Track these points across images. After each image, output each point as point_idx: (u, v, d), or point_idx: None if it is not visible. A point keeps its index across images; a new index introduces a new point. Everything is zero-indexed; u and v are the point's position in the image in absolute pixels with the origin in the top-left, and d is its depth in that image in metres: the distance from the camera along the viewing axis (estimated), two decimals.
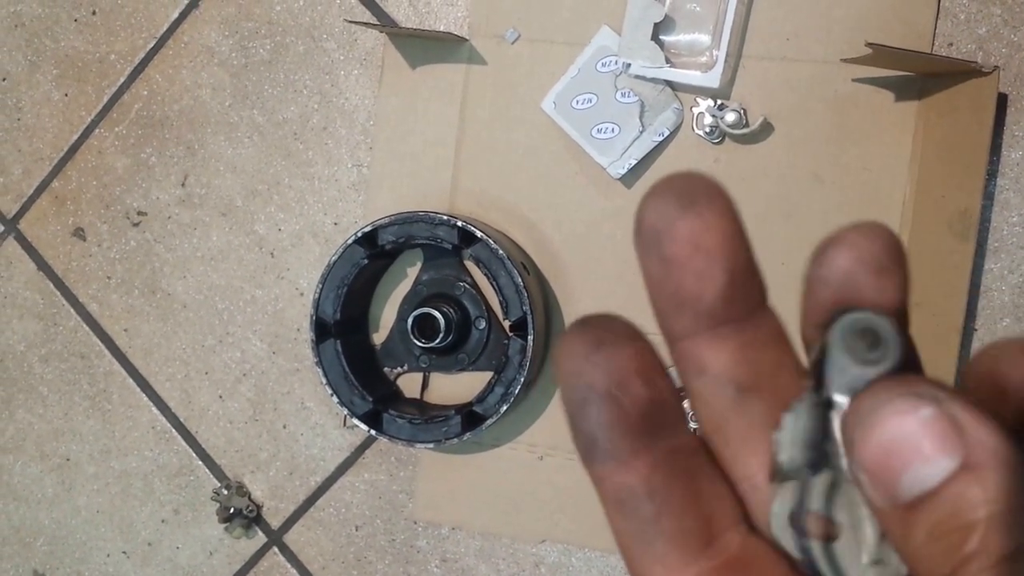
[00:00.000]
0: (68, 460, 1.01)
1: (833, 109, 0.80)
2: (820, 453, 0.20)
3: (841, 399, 0.20)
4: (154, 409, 0.98)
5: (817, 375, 0.20)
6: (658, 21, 0.80)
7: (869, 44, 0.70)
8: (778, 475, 0.21)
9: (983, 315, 0.79)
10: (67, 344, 1.00)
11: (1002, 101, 0.74)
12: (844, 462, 0.20)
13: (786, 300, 0.74)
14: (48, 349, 1.00)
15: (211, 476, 0.97)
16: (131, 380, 0.98)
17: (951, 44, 0.77)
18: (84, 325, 0.99)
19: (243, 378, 0.95)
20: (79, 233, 0.99)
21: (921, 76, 0.77)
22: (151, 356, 0.98)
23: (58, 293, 0.99)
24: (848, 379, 0.20)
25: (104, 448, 1.00)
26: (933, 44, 0.77)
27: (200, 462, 0.97)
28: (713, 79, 0.79)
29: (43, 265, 1.00)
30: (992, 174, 0.77)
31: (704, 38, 0.81)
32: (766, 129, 0.81)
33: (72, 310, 0.99)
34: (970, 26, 0.77)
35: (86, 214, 0.98)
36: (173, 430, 0.98)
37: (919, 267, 0.78)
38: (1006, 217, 0.78)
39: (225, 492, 0.95)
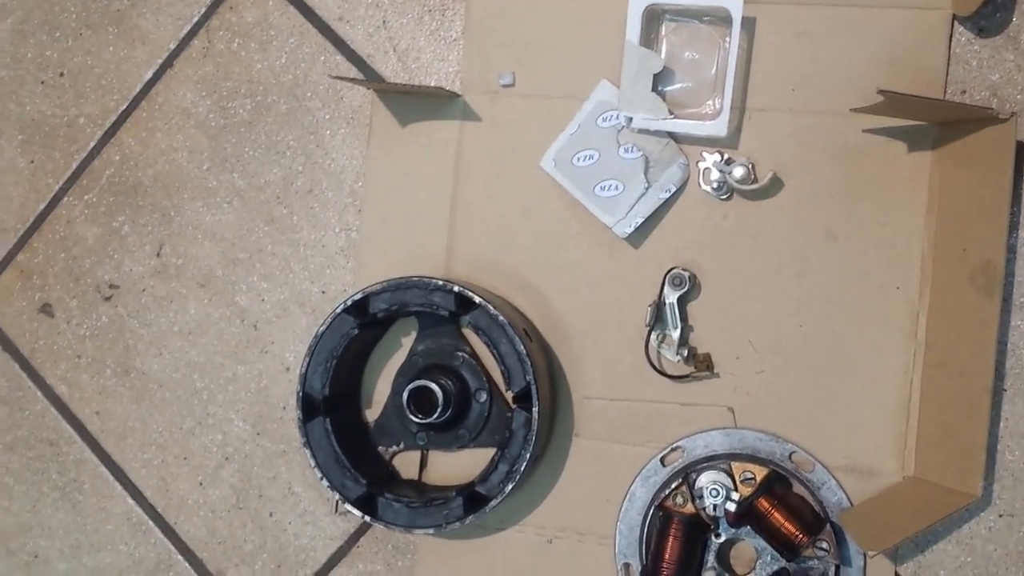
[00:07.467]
0: (36, 557, 1.12)
1: (844, 161, 0.92)
2: None
3: None
4: (129, 499, 1.09)
5: None
6: (657, 72, 0.92)
7: (881, 91, 0.81)
8: None
9: (1012, 374, 0.90)
10: (34, 430, 1.11)
11: (1020, 149, 0.85)
12: None
13: (808, 362, 0.88)
14: (13, 436, 1.12)
15: (192, 571, 1.08)
16: (104, 468, 1.10)
17: (964, 91, 0.90)
18: (52, 408, 1.11)
19: (225, 463, 1.07)
20: (46, 309, 1.11)
21: (935, 125, 0.89)
22: (125, 441, 1.09)
23: (24, 375, 1.12)
24: None
25: (75, 543, 1.11)
26: (945, 92, 0.90)
27: (180, 556, 1.08)
28: (720, 127, 0.91)
29: (7, 344, 1.12)
30: (1014, 225, 0.88)
31: (706, 86, 0.93)
32: (776, 184, 0.93)
33: (39, 392, 1.11)
34: (983, 72, 0.90)
35: (54, 289, 1.11)
36: (150, 521, 1.09)
37: (942, 325, 0.89)
38: None
39: None
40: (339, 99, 1.03)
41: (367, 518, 0.94)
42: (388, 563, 1.03)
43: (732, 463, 0.92)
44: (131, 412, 1.09)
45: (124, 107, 1.08)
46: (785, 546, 0.90)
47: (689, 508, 0.92)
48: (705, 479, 0.92)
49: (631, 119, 0.93)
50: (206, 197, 1.06)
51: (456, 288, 0.92)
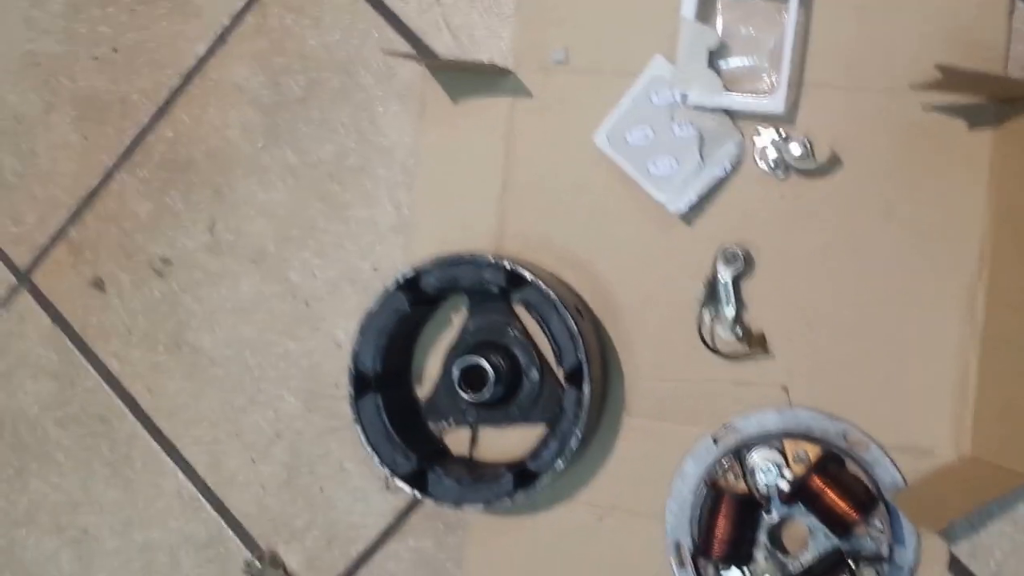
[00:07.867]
0: (86, 533, 1.15)
1: (903, 139, 0.93)
2: None
3: None
4: (180, 475, 1.12)
5: None
6: (713, 47, 0.94)
7: (939, 67, 0.82)
8: None
9: None
10: (85, 406, 1.14)
11: None
12: None
13: (864, 340, 0.89)
14: (64, 412, 1.15)
15: (242, 547, 1.11)
16: (155, 444, 1.13)
17: None
18: (104, 384, 1.14)
19: (276, 439, 1.09)
20: (98, 284, 1.14)
21: (996, 102, 0.90)
22: (176, 417, 1.12)
23: (75, 350, 1.15)
24: None
25: (126, 519, 1.14)
26: (1006, 68, 0.90)
27: (231, 532, 1.11)
28: (777, 104, 0.92)
29: (59, 319, 1.15)
30: None
31: (763, 62, 0.94)
32: (833, 162, 0.94)
33: (91, 368, 1.14)
34: None
35: (106, 264, 1.13)
36: (201, 497, 1.12)
37: (1000, 304, 0.90)
38: None
39: (258, 564, 1.09)
40: (391, 75, 1.05)
41: (417, 494, 0.97)
42: (438, 540, 1.05)
43: (785, 441, 0.93)
44: (183, 388, 1.11)
45: (177, 83, 1.11)
46: (838, 525, 0.91)
47: (741, 486, 0.94)
48: (757, 457, 0.94)
49: (686, 95, 0.94)
50: (259, 174, 1.09)
51: (507, 265, 0.94)
